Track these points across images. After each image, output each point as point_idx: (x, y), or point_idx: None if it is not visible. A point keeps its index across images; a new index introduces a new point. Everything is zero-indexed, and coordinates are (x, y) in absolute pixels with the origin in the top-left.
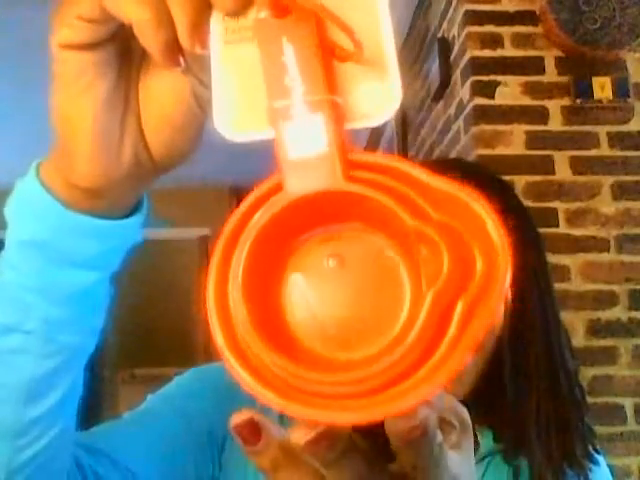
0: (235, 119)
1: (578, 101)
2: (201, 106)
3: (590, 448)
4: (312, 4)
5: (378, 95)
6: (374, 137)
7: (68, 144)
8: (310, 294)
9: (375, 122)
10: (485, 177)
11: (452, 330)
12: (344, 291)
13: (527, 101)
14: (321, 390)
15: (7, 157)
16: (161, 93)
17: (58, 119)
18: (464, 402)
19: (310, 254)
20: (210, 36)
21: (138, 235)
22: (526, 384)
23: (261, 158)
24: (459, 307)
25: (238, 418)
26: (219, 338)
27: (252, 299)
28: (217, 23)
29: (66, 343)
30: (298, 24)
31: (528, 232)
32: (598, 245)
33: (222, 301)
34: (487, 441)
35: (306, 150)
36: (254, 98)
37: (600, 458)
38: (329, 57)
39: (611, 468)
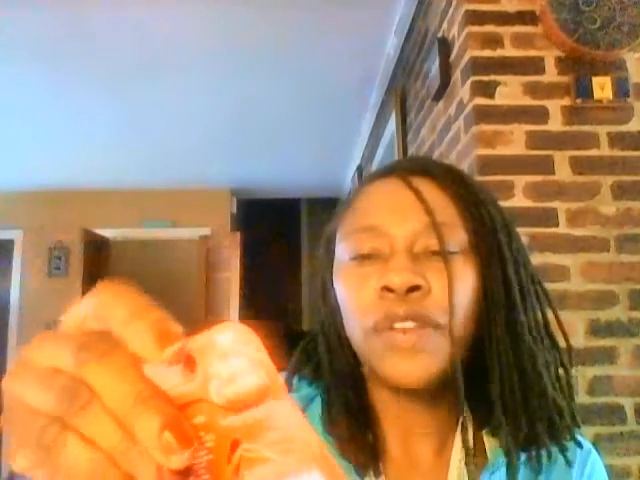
0: None
1: (578, 101)
2: None
3: (558, 428)
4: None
5: None
6: (374, 138)
7: None
8: None
9: None
10: (449, 173)
11: None
12: None
13: (527, 101)
14: None
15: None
16: None
17: None
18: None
19: None
20: None
21: None
22: (490, 370)
23: (260, 160)
24: None
25: None
26: None
27: None
28: None
29: None
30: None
31: (494, 226)
32: (598, 245)
33: None
34: (495, 453)
35: None
36: None
37: (585, 444)
38: None
39: (611, 468)
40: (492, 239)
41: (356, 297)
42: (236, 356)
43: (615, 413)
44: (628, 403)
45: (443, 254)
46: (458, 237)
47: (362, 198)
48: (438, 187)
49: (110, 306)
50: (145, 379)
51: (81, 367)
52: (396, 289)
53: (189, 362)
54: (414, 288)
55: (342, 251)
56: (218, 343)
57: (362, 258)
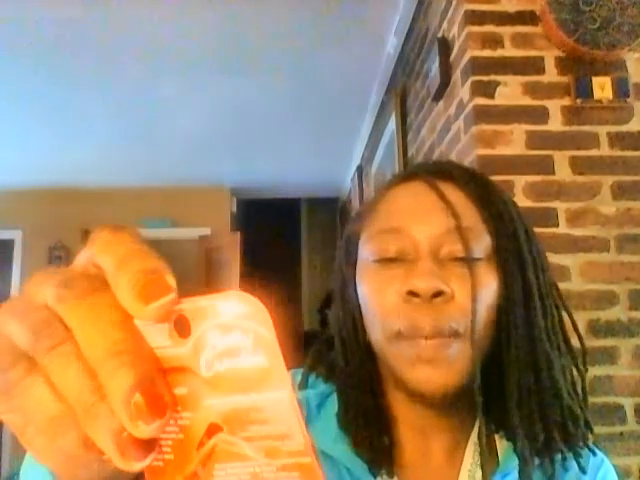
0: None
1: (578, 101)
2: None
3: (572, 435)
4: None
5: None
6: (374, 138)
7: None
8: None
9: None
10: (472, 177)
11: None
12: None
13: (527, 101)
14: None
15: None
16: None
17: None
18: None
19: None
20: None
21: None
22: (507, 374)
23: (260, 160)
24: None
25: None
26: None
27: None
28: None
29: None
30: None
31: (515, 230)
32: (598, 245)
33: None
34: (508, 456)
35: None
36: None
37: (598, 452)
38: None
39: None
40: (513, 242)
41: (380, 300)
42: (239, 330)
43: (615, 413)
44: (628, 403)
45: (468, 261)
46: (482, 242)
47: (386, 200)
48: (461, 190)
49: (101, 253)
50: (130, 329)
51: (60, 303)
52: (421, 294)
53: (181, 324)
54: (439, 293)
55: (366, 253)
56: (222, 311)
57: (387, 261)
